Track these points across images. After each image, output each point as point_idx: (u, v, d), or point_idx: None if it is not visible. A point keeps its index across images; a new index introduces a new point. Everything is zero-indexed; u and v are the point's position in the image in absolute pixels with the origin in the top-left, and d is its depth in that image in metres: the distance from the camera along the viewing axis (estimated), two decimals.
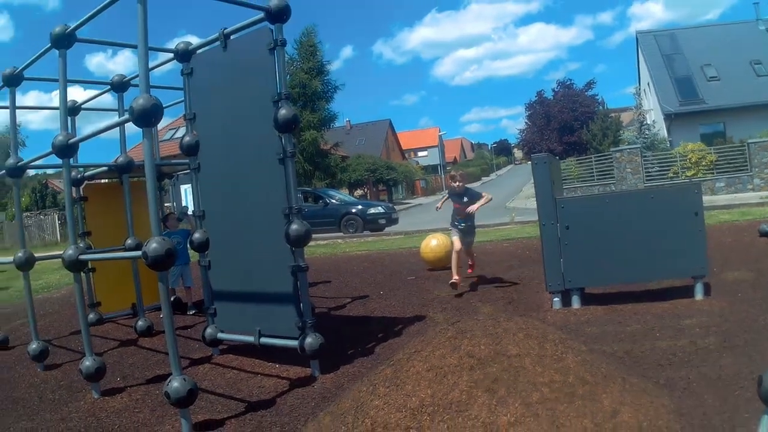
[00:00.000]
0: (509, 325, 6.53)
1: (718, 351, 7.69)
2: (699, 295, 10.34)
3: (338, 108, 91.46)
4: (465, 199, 13.48)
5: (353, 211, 38.90)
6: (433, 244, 16.98)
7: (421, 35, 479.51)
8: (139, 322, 12.07)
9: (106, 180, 15.20)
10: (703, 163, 44.82)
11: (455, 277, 13.18)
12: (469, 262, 15.23)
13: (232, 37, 9.35)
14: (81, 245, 9.07)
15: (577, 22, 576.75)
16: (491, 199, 14.05)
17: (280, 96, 8.61)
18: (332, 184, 61.20)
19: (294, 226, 8.49)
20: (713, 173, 44.65)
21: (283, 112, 8.47)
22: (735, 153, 44.54)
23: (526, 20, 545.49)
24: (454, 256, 13.49)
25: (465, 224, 13.76)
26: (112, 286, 13.53)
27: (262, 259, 9.30)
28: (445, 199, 14.23)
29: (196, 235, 9.95)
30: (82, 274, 9.83)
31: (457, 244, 13.61)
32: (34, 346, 10.23)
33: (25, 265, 10.14)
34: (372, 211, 39.11)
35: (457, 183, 13.64)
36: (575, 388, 5.58)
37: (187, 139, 10.00)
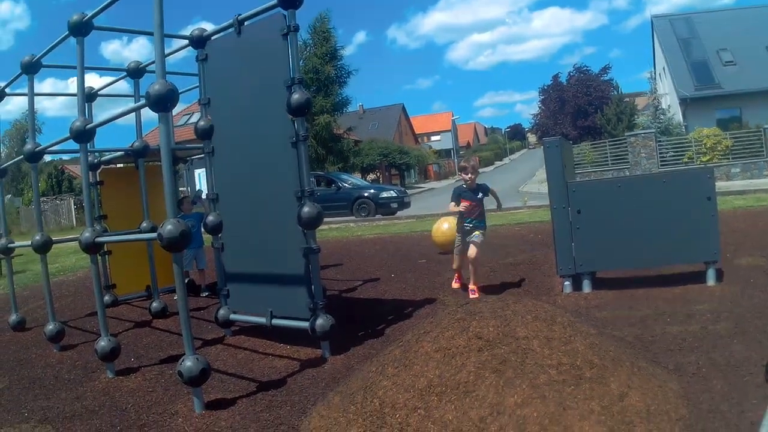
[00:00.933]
0: (518, 307, 6.56)
1: (729, 337, 7.71)
2: (711, 281, 10.34)
3: (351, 93, 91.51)
4: (479, 195, 11.59)
5: (365, 195, 39.17)
6: (444, 227, 17.04)
7: (434, 20, 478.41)
8: (154, 304, 12.25)
9: (122, 165, 15.30)
10: (719, 149, 44.58)
11: (455, 284, 12.54)
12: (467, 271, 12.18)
13: (246, 23, 9.44)
14: (97, 228, 9.17)
15: (592, 6, 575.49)
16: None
17: (293, 81, 8.65)
18: (345, 168, 61.12)
19: (306, 209, 8.55)
20: (729, 159, 44.44)
21: (296, 96, 8.52)
22: (751, 138, 44.33)
23: (541, 4, 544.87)
24: (456, 259, 12.24)
25: (473, 224, 11.68)
26: (127, 268, 13.71)
27: (275, 242, 9.39)
28: (456, 206, 11.58)
29: (210, 218, 10.06)
30: (98, 256, 9.91)
31: (462, 254, 11.87)
32: (50, 327, 10.38)
33: (43, 248, 10.27)
34: (384, 195, 39.33)
35: (469, 176, 11.58)
36: (583, 370, 5.62)
37: (201, 123, 10.11)
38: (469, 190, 11.65)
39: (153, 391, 8.03)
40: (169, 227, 6.52)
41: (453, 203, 11.69)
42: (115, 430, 6.81)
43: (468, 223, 11.75)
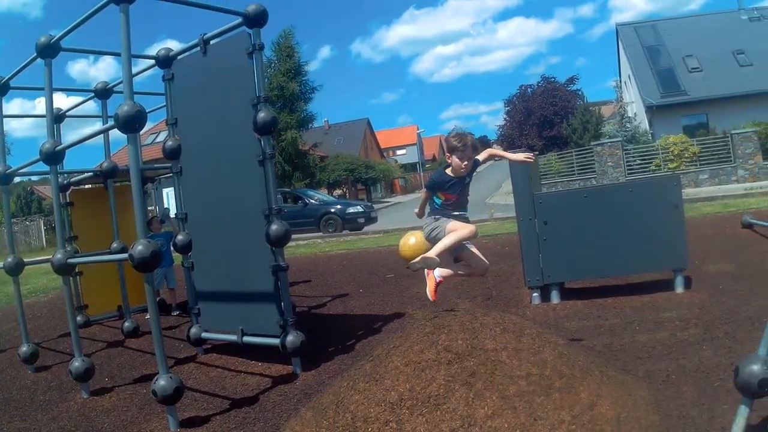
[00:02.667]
0: (486, 319, 6.64)
1: (698, 343, 7.84)
2: (679, 288, 10.48)
3: (316, 108, 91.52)
4: (467, 180, 7.91)
5: (332, 210, 39.21)
6: (411, 242, 16.59)
7: (399, 33, 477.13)
8: (126, 324, 12.24)
9: (90, 185, 15.28)
10: (686, 155, 44.77)
11: (436, 279, 8.78)
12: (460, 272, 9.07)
13: (211, 42, 9.56)
14: (69, 249, 9.20)
15: (558, 15, 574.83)
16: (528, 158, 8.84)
17: (259, 99, 8.80)
18: (311, 184, 61.47)
19: (274, 227, 8.68)
20: (696, 165, 44.65)
21: (262, 114, 8.67)
22: (718, 144, 44.56)
23: (506, 15, 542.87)
24: (452, 240, 7.91)
25: (460, 212, 8.03)
26: (98, 288, 13.67)
27: (244, 260, 9.48)
28: (427, 198, 8.24)
29: (180, 237, 10.16)
30: (70, 277, 9.93)
31: (464, 229, 7.87)
32: (24, 348, 10.40)
33: (15, 269, 10.28)
34: (351, 210, 39.44)
35: (464, 163, 7.58)
36: (552, 381, 5.70)
37: (169, 143, 10.18)
38: (456, 179, 7.70)
39: (128, 410, 8.10)
40: (139, 248, 6.61)
41: (425, 190, 8.27)
42: None
43: (452, 211, 7.88)
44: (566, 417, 5.29)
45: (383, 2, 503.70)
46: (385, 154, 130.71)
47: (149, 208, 17.32)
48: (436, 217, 8.06)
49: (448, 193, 7.84)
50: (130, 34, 7.11)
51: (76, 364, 8.58)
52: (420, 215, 8.83)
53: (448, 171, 7.73)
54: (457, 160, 7.56)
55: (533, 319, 9.68)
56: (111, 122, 7.20)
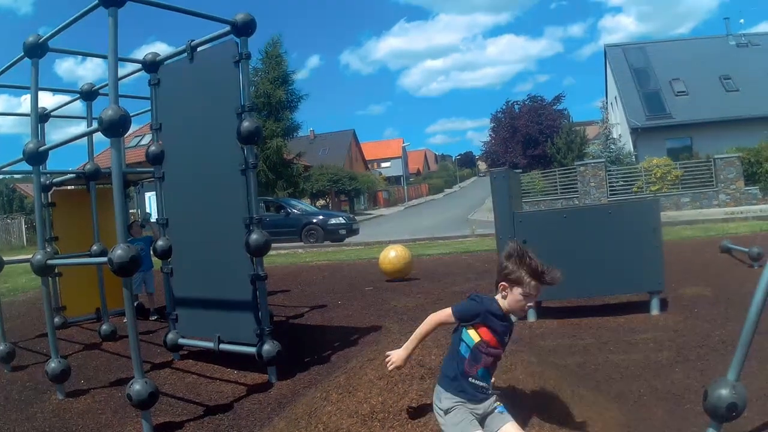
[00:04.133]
0: None
1: (671, 365, 7.92)
2: (655, 311, 10.57)
3: (303, 117, 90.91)
4: (506, 339, 5.20)
5: (314, 221, 39.32)
6: (391, 255, 17.08)
7: (389, 45, 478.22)
8: (103, 327, 12.15)
9: (73, 186, 15.29)
10: (669, 178, 45.13)
11: None
12: None
13: (198, 49, 9.54)
14: (49, 250, 9.19)
15: (547, 34, 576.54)
16: None
17: (244, 108, 8.80)
18: (294, 193, 61.20)
19: (254, 236, 8.66)
20: (678, 188, 45.03)
21: (246, 124, 8.67)
22: (701, 168, 44.92)
23: (496, 32, 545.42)
24: None
25: (486, 381, 5.15)
26: (77, 290, 13.62)
27: (223, 267, 9.46)
28: (430, 331, 5.43)
29: (160, 243, 10.14)
30: (49, 278, 9.91)
31: None
32: (1, 347, 10.39)
33: None
34: (333, 221, 39.57)
35: (528, 303, 5.00)
36: (523, 398, 5.77)
37: (152, 148, 10.18)
38: (508, 321, 5.15)
39: (102, 413, 8.08)
40: (119, 252, 6.58)
41: (437, 318, 5.26)
42: None
43: (479, 379, 5.06)
44: None
45: (374, 14, 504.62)
46: (369, 166, 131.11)
47: (131, 211, 17.25)
48: (454, 399, 4.97)
49: (492, 338, 4.98)
50: (119, 36, 7.09)
51: (53, 365, 8.55)
52: (401, 364, 5.46)
53: (502, 304, 4.99)
54: (519, 296, 4.86)
55: None
56: (95, 125, 7.21)
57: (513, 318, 5.15)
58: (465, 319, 4.98)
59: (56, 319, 12.34)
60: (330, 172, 79.22)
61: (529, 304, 4.91)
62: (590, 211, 13.92)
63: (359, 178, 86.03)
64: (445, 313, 5.12)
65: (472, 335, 4.96)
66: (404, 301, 13.80)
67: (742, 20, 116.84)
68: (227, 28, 8.88)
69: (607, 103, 67.75)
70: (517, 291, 4.84)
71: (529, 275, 4.80)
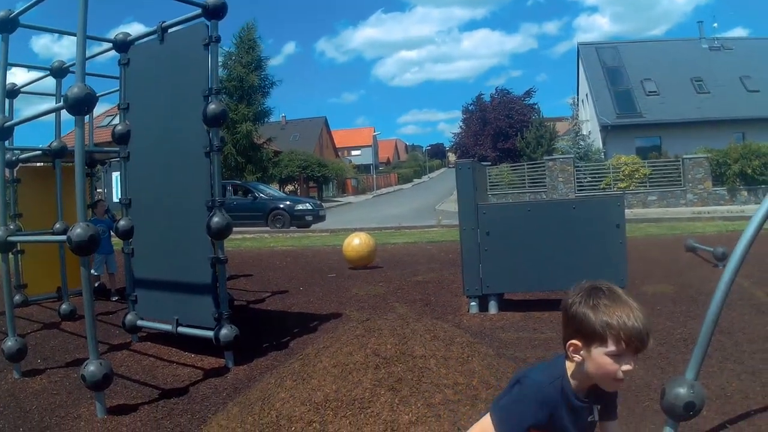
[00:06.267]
0: (417, 326, 6.63)
1: None
2: None
3: (276, 103, 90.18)
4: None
5: (281, 206, 39.29)
6: (355, 243, 17.20)
7: (364, 35, 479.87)
8: (63, 306, 12.08)
9: (41, 163, 15.18)
10: (636, 176, 45.43)
11: None
12: None
13: (169, 30, 9.50)
14: (11, 227, 9.12)
15: (523, 30, 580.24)
16: None
17: (211, 91, 8.76)
18: (263, 178, 61.27)
19: (216, 219, 8.63)
20: (646, 186, 45.31)
21: (212, 106, 8.62)
22: (669, 168, 45.19)
23: (472, 25, 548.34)
24: None
25: None
26: (39, 268, 13.54)
27: (184, 250, 9.42)
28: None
29: (122, 223, 10.01)
30: (10, 255, 9.83)
31: None
32: None
33: None
34: (299, 207, 39.59)
35: (624, 368, 3.00)
36: (479, 391, 5.71)
37: (119, 128, 10.09)
38: (586, 401, 3.25)
39: (57, 393, 8.01)
40: (78, 230, 6.56)
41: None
42: None
43: None
44: None
45: (352, 3, 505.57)
46: (340, 153, 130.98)
47: (98, 190, 17.08)
48: None
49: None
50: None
51: (9, 343, 8.50)
52: None
53: (572, 380, 3.22)
54: (608, 359, 3.02)
55: (469, 328, 9.76)
56: (62, 103, 7.14)
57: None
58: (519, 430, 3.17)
59: (17, 297, 12.26)
60: (300, 158, 78.82)
61: (625, 369, 3.00)
62: (555, 205, 13.96)
63: (329, 165, 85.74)
64: (486, 427, 3.31)
65: None
66: (366, 288, 13.87)
67: (715, 24, 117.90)
68: (198, 10, 8.84)
69: (578, 100, 67.89)
70: (598, 352, 3.04)
71: (616, 322, 2.99)
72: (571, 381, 3.19)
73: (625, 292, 3.13)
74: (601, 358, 3.00)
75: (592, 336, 3.02)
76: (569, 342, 3.14)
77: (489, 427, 3.25)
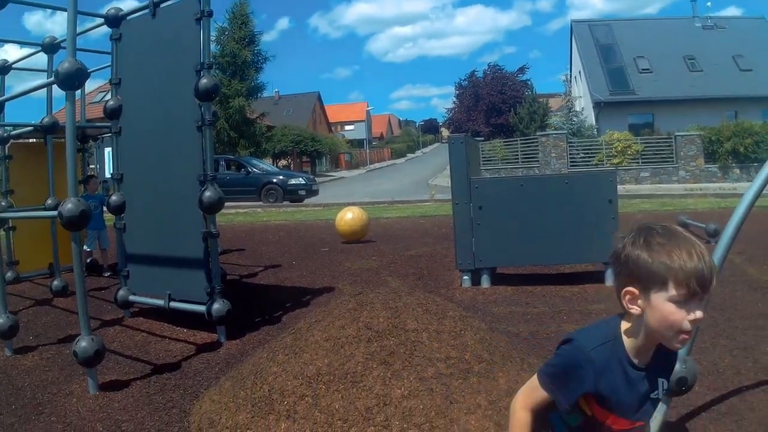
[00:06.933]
0: (409, 299, 6.61)
1: None
2: (609, 281, 10.50)
3: (268, 78, 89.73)
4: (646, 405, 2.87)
5: (274, 181, 39.31)
6: (348, 217, 17.23)
7: (358, 10, 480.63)
8: (55, 282, 12.06)
9: (34, 140, 15.13)
10: (629, 153, 45.43)
11: None
12: None
13: (161, 5, 9.46)
14: (3, 204, 9.10)
15: (516, 6, 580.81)
16: None
17: (203, 66, 8.73)
18: (256, 153, 61.23)
19: (207, 193, 8.60)
20: (639, 163, 45.32)
21: (204, 81, 8.58)
22: (662, 145, 45.19)
23: (465, 2, 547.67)
24: None
25: None
26: (31, 245, 13.52)
27: (176, 224, 9.42)
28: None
29: (113, 198, 10.01)
30: (2, 232, 9.82)
31: None
32: None
33: None
34: (292, 181, 39.58)
35: (693, 316, 2.56)
36: (471, 365, 5.70)
37: (111, 103, 10.05)
38: (643, 366, 2.80)
39: (49, 370, 8.00)
40: (69, 206, 6.54)
41: (529, 402, 2.95)
42: (10, 409, 6.80)
43: None
44: (483, 402, 5.30)
45: None
46: (333, 128, 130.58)
47: (90, 166, 17.05)
48: None
49: (615, 418, 2.83)
50: None
51: (1, 320, 8.47)
52: None
53: (627, 341, 2.79)
54: (671, 306, 2.57)
55: (461, 302, 9.80)
56: (52, 78, 7.13)
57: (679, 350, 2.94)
58: (568, 397, 2.80)
59: (8, 274, 12.27)
60: (293, 133, 78.77)
61: (693, 318, 2.56)
62: (547, 180, 14.13)
63: (322, 140, 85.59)
64: (535, 391, 2.93)
65: (584, 408, 2.89)
66: (358, 263, 13.93)
67: (709, 3, 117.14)
68: None
69: (570, 76, 67.86)
70: (659, 298, 2.59)
71: (676, 261, 2.57)
72: (628, 342, 2.76)
73: (684, 230, 2.74)
74: (663, 305, 2.56)
75: (649, 280, 2.58)
76: (624, 290, 2.67)
77: (537, 392, 2.89)
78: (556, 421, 2.95)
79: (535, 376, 2.92)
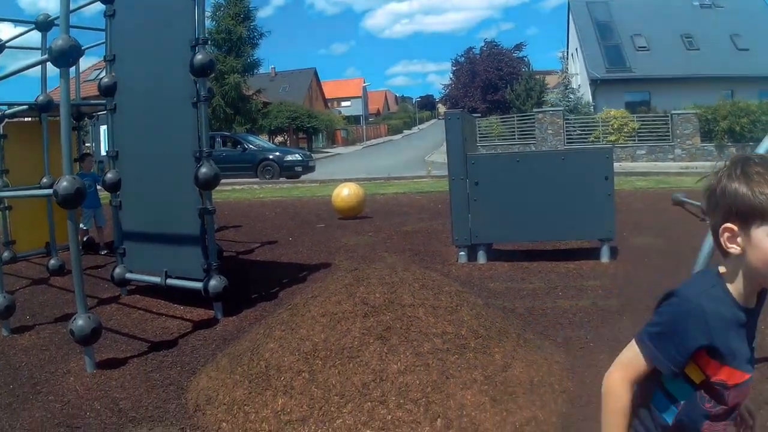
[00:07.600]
0: (406, 275, 6.64)
1: (619, 313, 8.00)
2: (605, 258, 10.65)
3: (264, 54, 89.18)
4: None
5: (270, 157, 39.17)
6: (344, 193, 17.24)
7: None
8: (51, 261, 12.08)
9: (29, 119, 15.08)
10: (625, 130, 45.33)
11: None
12: None
13: None
14: None
15: None
16: None
17: (198, 41, 8.69)
18: (253, 129, 61.29)
19: (203, 170, 8.58)
20: (635, 140, 45.24)
21: (199, 57, 8.54)
22: (658, 123, 45.11)
23: None
24: None
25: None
26: (28, 224, 13.44)
27: (172, 201, 9.41)
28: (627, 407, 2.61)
29: (109, 175, 10.01)
30: None
31: None
32: None
33: None
34: (289, 158, 39.49)
35: None
36: (467, 340, 5.74)
37: (105, 80, 10.06)
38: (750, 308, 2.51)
39: (47, 349, 8.02)
40: (64, 184, 6.52)
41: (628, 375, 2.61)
42: (7, 389, 6.82)
43: None
44: (479, 377, 5.34)
45: None
46: (329, 104, 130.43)
47: (86, 144, 17.06)
48: None
49: (731, 373, 2.47)
50: None
51: None
52: None
53: (730, 286, 2.48)
54: None
55: (458, 278, 9.75)
56: (46, 55, 7.11)
57: None
58: (678, 359, 2.45)
59: (5, 254, 12.17)
60: (289, 110, 78.29)
61: None
62: (543, 156, 14.36)
63: (318, 117, 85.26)
64: (634, 361, 2.59)
65: (690, 375, 2.52)
66: (355, 239, 13.97)
67: None
68: None
69: (567, 53, 67.63)
70: (761, 233, 2.32)
71: None
72: (730, 287, 2.46)
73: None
74: (765, 241, 2.28)
75: (749, 214, 2.31)
76: (722, 227, 2.39)
77: (637, 362, 2.55)
78: (659, 402, 2.60)
79: (632, 343, 2.59)
